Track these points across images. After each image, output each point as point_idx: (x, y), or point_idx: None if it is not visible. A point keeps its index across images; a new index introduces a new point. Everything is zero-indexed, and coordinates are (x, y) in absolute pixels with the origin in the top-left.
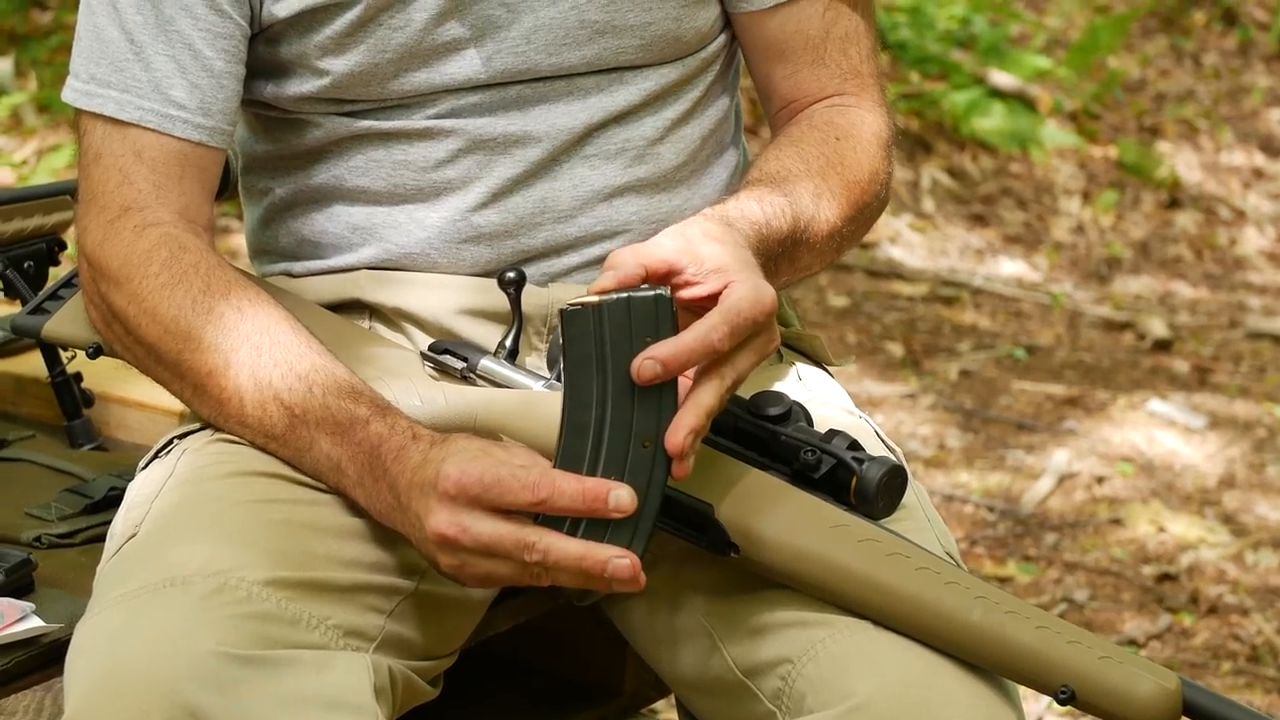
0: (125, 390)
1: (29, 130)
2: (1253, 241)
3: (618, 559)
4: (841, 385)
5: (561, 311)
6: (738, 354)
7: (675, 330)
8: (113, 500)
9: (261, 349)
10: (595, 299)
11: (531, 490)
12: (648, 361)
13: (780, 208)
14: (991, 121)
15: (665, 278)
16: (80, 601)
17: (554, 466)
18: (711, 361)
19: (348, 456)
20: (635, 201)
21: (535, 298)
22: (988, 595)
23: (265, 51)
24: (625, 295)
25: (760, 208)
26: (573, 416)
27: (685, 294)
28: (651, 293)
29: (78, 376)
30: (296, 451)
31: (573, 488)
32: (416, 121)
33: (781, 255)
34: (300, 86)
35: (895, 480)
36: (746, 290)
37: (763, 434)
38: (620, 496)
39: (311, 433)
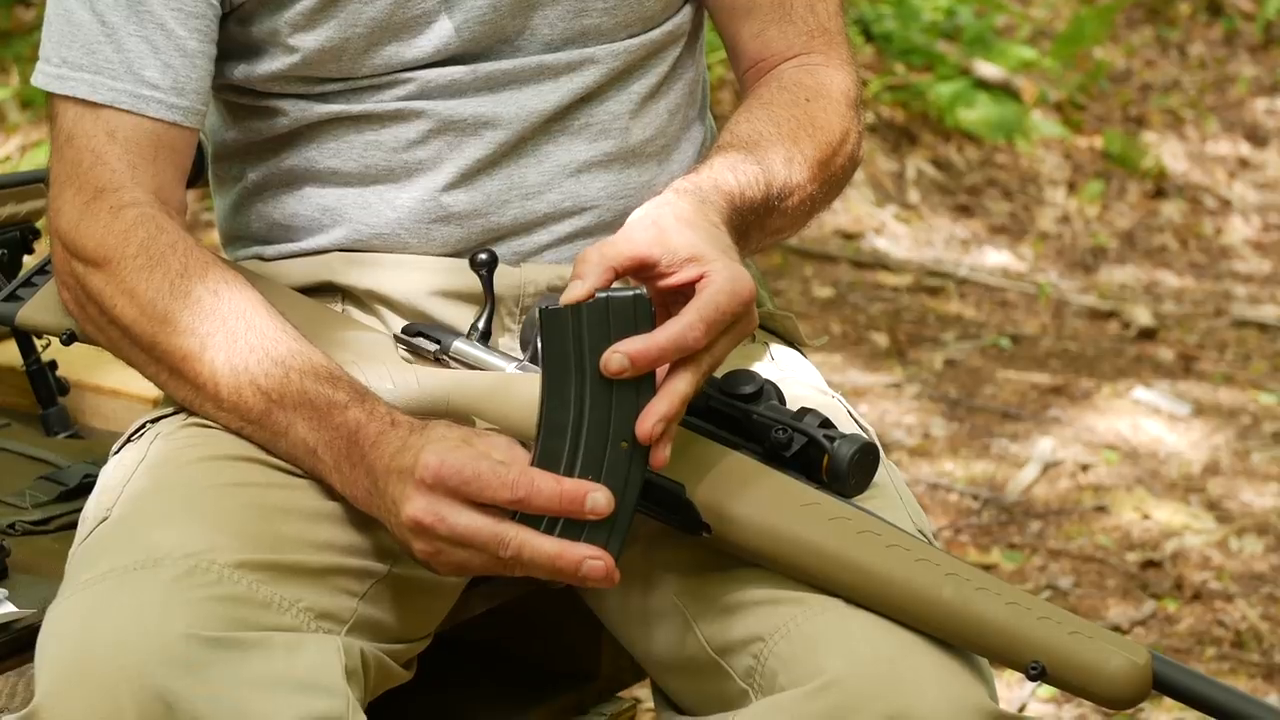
0: (100, 378)
1: (12, 127)
2: (1238, 230)
3: (591, 559)
4: (816, 367)
5: (540, 311)
6: (714, 343)
7: (653, 330)
8: (87, 487)
9: (237, 333)
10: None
11: (510, 489)
12: (615, 355)
13: (754, 175)
14: (977, 112)
15: (638, 273)
16: (53, 587)
17: (532, 465)
18: None
19: (324, 442)
20: (603, 177)
21: (507, 278)
22: (958, 572)
23: (236, 31)
24: (604, 296)
25: (734, 176)
26: (550, 416)
27: (660, 284)
28: (630, 293)
29: (52, 365)
30: (272, 435)
31: (550, 488)
32: (387, 104)
33: (754, 223)
34: (271, 65)
35: (867, 458)
36: (723, 282)
37: (734, 413)
38: (597, 499)
39: (288, 416)
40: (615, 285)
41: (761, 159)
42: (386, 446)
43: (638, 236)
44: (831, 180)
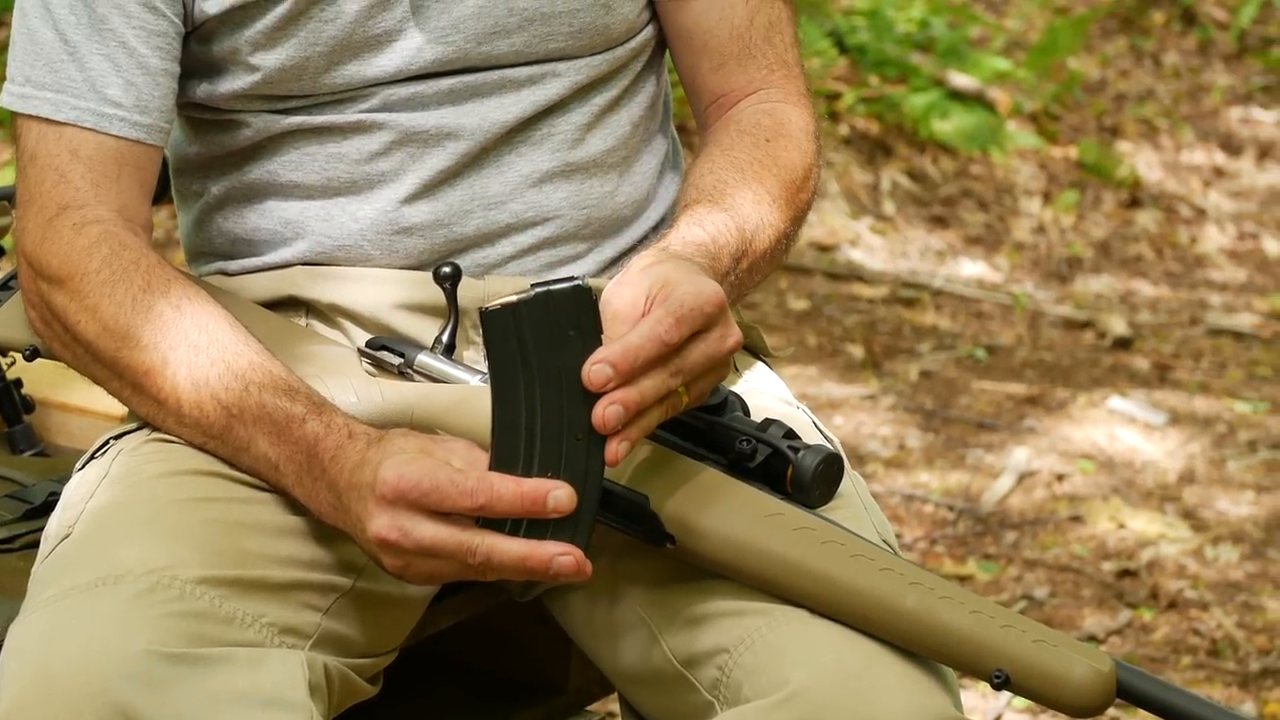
0: (66, 396)
1: None
2: (1213, 239)
3: (560, 556)
4: (790, 379)
5: (480, 312)
6: (688, 346)
7: (597, 320)
8: (52, 505)
9: (199, 347)
10: (514, 298)
11: (470, 496)
12: (597, 366)
13: (723, 223)
14: (951, 123)
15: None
16: (17, 605)
17: (489, 468)
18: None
19: (285, 456)
20: (565, 187)
21: (471, 291)
22: (922, 581)
23: (198, 50)
24: (544, 290)
25: (703, 229)
26: (503, 417)
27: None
28: (569, 284)
29: (18, 383)
30: (234, 451)
31: (511, 491)
32: (349, 116)
33: (734, 269)
34: (233, 84)
35: (831, 469)
36: (687, 285)
37: (698, 424)
38: (559, 497)
39: (249, 431)
40: (555, 277)
41: (729, 206)
42: (345, 461)
43: (626, 294)
44: (798, 217)
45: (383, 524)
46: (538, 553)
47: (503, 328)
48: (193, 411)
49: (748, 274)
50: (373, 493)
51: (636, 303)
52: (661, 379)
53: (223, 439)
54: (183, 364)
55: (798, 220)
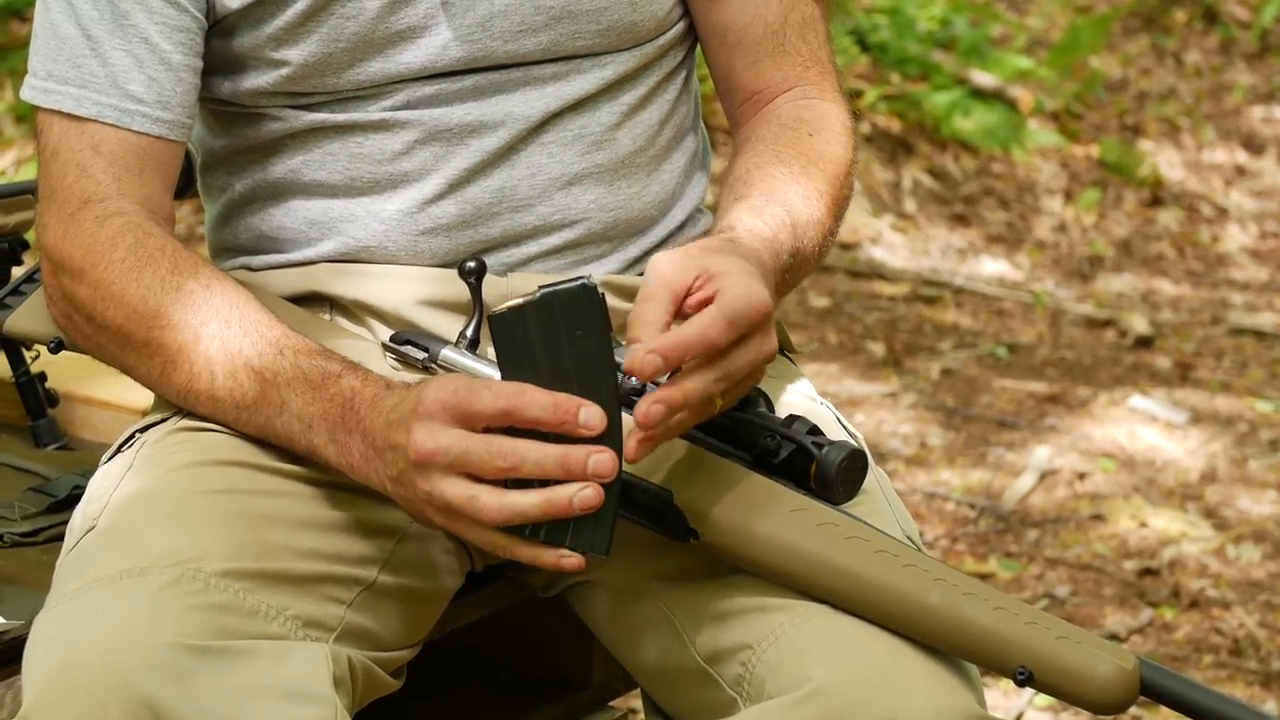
0: (90, 390)
1: (8, 141)
2: (1235, 238)
3: (598, 454)
4: (811, 376)
5: (490, 318)
6: (732, 350)
7: (606, 318)
8: (76, 499)
9: (231, 321)
10: (520, 301)
11: (504, 398)
12: (649, 355)
13: (780, 219)
14: (973, 122)
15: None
16: (41, 599)
17: None
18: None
19: (319, 412)
20: (594, 189)
21: (495, 287)
22: (946, 578)
23: (220, 45)
24: (550, 291)
25: (763, 223)
26: None
27: (689, 302)
28: (575, 285)
29: (42, 376)
30: (267, 419)
31: (544, 398)
32: (373, 113)
33: (787, 267)
34: (256, 80)
35: (855, 465)
36: (741, 289)
37: (723, 420)
38: (590, 414)
39: (282, 394)
40: (561, 279)
41: (783, 201)
42: (383, 405)
43: (666, 271)
44: (839, 213)
45: (421, 436)
46: (574, 452)
47: (510, 331)
48: (226, 383)
49: (793, 273)
50: (415, 414)
51: (684, 274)
52: (705, 381)
53: (255, 408)
54: (215, 338)
55: (839, 217)
